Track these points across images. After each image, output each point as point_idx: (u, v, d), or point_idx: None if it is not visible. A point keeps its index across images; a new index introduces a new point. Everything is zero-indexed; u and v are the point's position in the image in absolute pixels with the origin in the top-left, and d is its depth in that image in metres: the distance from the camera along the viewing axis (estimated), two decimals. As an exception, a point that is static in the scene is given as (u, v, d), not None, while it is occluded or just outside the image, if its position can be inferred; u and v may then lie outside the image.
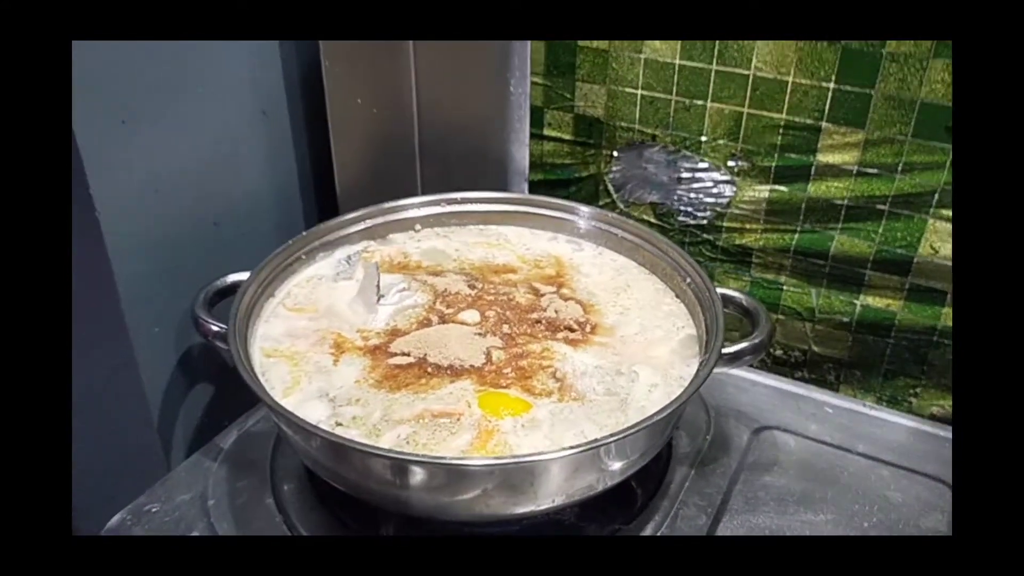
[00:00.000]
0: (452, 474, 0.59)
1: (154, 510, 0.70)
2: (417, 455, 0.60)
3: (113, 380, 0.78)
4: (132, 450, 0.82)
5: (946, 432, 0.79)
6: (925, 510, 0.70)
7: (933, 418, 0.84)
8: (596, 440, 0.58)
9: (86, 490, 0.93)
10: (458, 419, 0.64)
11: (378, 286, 0.75)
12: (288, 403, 0.64)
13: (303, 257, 0.79)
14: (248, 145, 0.83)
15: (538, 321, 0.74)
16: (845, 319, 0.86)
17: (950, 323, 0.81)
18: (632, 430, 0.58)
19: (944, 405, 0.85)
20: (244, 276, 0.73)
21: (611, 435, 0.58)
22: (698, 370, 0.66)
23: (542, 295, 0.78)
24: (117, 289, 0.73)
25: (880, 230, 0.80)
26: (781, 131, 0.81)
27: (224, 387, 0.85)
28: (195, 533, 0.68)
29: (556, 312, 0.74)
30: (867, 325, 0.85)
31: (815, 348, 0.89)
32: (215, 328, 0.70)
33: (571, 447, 0.58)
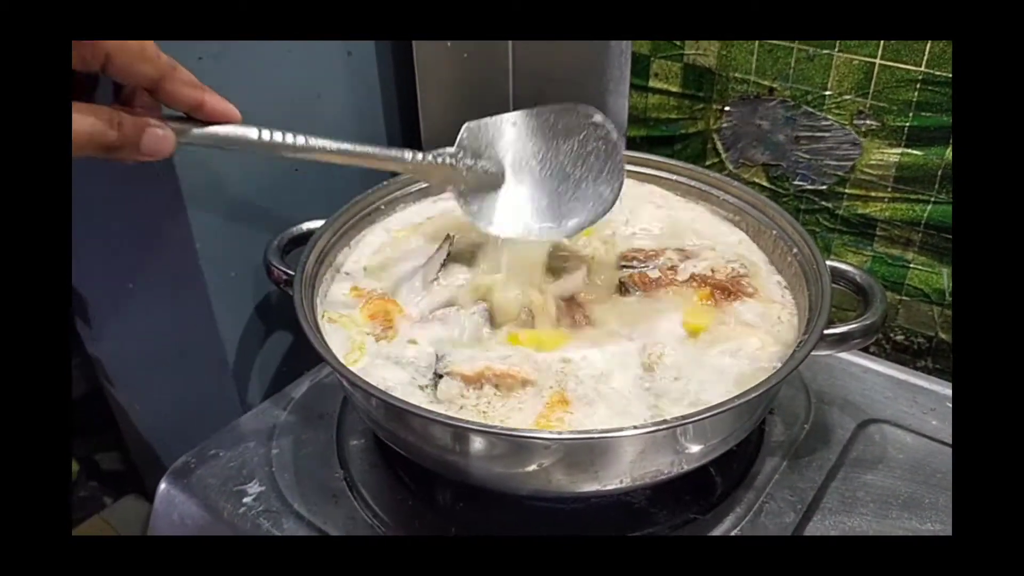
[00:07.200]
0: (512, 446, 0.55)
1: (220, 454, 0.70)
2: (471, 423, 0.56)
3: (190, 322, 0.78)
4: (208, 394, 0.82)
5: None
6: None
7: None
8: (665, 420, 0.52)
9: (163, 432, 0.96)
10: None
11: (441, 265, 0.70)
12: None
13: (382, 208, 0.76)
14: (332, 87, 0.79)
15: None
16: (981, 304, 0.75)
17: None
18: (705, 413, 0.52)
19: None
20: (320, 224, 0.71)
21: (684, 416, 0.52)
22: (795, 351, 0.58)
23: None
24: (192, 234, 0.72)
25: (1031, 204, 0.69)
26: (918, 86, 0.71)
27: (302, 336, 0.84)
28: (254, 481, 0.67)
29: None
30: (1007, 313, 0.74)
31: (942, 335, 0.79)
32: (286, 276, 0.68)
33: (643, 425, 0.53)
